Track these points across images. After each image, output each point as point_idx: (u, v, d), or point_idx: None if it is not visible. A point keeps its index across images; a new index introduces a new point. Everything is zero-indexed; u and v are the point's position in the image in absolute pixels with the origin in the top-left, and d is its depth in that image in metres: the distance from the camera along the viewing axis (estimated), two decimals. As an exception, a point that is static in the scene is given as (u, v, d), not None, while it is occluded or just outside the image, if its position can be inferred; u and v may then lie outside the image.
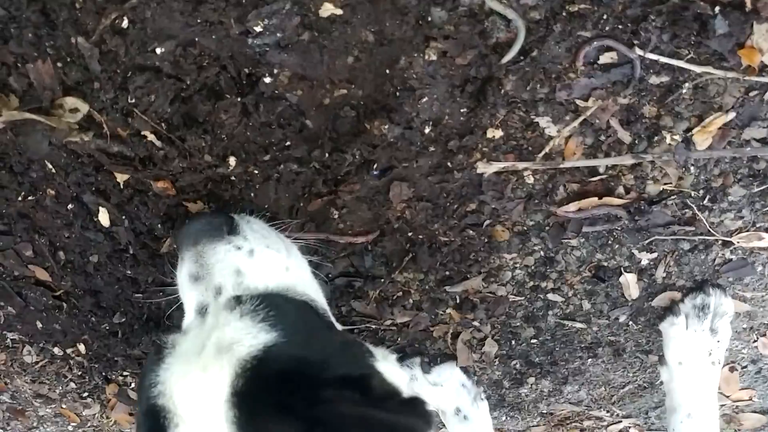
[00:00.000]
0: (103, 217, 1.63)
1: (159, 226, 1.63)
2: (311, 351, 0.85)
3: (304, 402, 0.75)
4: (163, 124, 1.41)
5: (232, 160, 1.47)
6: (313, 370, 0.80)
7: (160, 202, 1.58)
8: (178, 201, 1.57)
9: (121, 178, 1.51)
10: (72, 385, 2.13)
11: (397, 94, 1.42)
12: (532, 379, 2.01)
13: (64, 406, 2.20)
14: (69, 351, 2.02)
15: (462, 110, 1.45)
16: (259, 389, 0.78)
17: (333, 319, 1.09)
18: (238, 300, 0.96)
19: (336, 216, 1.63)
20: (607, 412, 2.20)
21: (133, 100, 1.37)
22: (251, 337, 0.85)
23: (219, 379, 0.80)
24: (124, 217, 1.62)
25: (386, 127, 1.44)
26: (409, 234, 1.68)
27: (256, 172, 1.51)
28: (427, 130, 1.48)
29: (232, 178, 1.52)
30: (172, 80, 1.36)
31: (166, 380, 0.85)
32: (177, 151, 1.44)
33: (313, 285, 1.14)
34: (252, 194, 1.55)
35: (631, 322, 1.86)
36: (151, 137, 1.42)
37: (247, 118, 1.43)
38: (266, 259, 1.06)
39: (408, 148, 1.51)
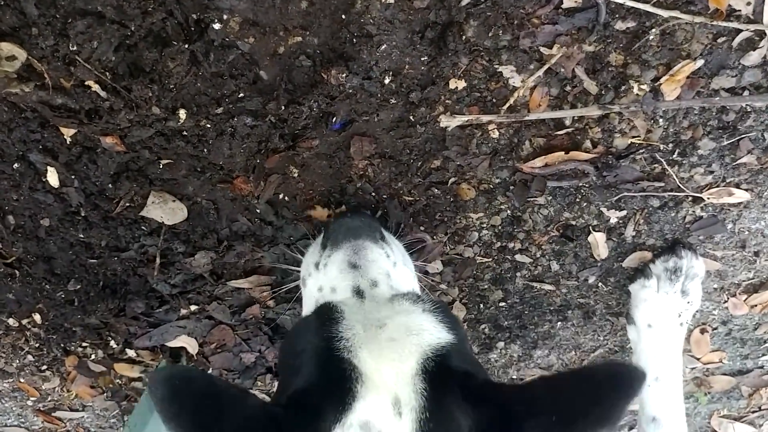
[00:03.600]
0: (52, 178, 1.55)
1: (110, 186, 1.56)
2: (472, 356, 0.98)
3: (478, 398, 0.82)
4: (107, 74, 1.33)
5: (182, 113, 1.41)
6: (477, 373, 0.89)
7: (110, 159, 1.51)
8: (129, 158, 1.51)
9: (67, 133, 1.44)
10: (29, 357, 2.05)
11: (354, 41, 1.36)
12: (501, 344, 1.97)
13: (22, 380, 2.13)
14: (24, 322, 1.94)
15: (423, 59, 1.40)
16: (447, 375, 0.85)
17: None
18: (394, 297, 1.07)
19: (296, 174, 1.57)
20: (579, 377, 2.16)
21: (75, 48, 1.30)
22: (437, 330, 0.93)
23: (407, 355, 0.86)
24: (73, 176, 1.55)
25: (344, 76, 1.38)
26: (373, 193, 1.63)
27: (208, 126, 1.44)
28: (387, 81, 1.42)
29: (184, 132, 1.46)
30: (115, 26, 1.29)
31: (350, 339, 0.90)
32: (123, 102, 1.37)
33: None
34: (206, 150, 1.49)
35: (600, 284, 1.82)
36: (95, 87, 1.35)
37: (197, 67, 1.36)
38: (404, 271, 1.20)
39: (368, 100, 1.45)
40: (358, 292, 1.08)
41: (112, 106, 1.37)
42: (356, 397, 0.82)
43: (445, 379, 0.85)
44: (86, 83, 1.34)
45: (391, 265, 1.16)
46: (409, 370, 0.85)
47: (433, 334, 0.92)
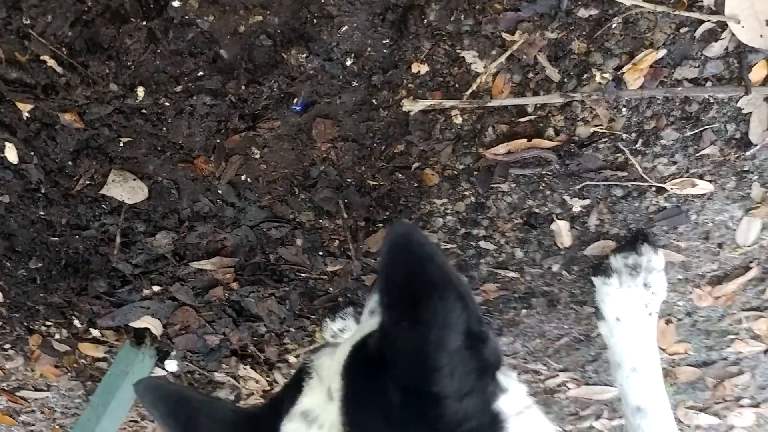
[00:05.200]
0: (11, 154, 1.54)
1: (70, 163, 1.55)
2: None
3: (379, 362, 0.83)
4: (63, 49, 1.32)
5: (140, 91, 1.40)
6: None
7: (70, 136, 1.49)
8: (89, 135, 1.49)
9: (24, 108, 1.43)
10: (-7, 336, 2.05)
11: (315, 21, 1.34)
12: (466, 331, 1.97)
13: (-15, 359, 2.12)
14: (-14, 300, 1.94)
15: (384, 41, 1.39)
16: (358, 355, 0.90)
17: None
18: None
19: (257, 155, 1.56)
20: (544, 365, 2.18)
21: (29, 21, 1.28)
22: (370, 325, 0.95)
23: (344, 351, 0.92)
24: (32, 153, 1.54)
25: (304, 57, 1.37)
26: (336, 177, 1.62)
27: (167, 104, 1.43)
28: (348, 63, 1.41)
29: (143, 110, 1.45)
30: (71, 0, 1.27)
31: (317, 356, 0.98)
32: (80, 79, 1.35)
33: None
34: (165, 129, 1.48)
35: (564, 272, 1.83)
36: (51, 63, 1.33)
37: (155, 45, 1.35)
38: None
39: (329, 82, 1.44)
40: None
41: (68, 82, 1.36)
42: (302, 393, 0.91)
43: (360, 359, 0.89)
44: (41, 58, 1.33)
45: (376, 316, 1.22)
46: (340, 363, 0.90)
47: (365, 329, 0.95)
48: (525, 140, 1.53)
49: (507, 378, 0.87)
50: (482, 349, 0.78)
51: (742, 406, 2.39)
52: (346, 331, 1.95)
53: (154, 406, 0.92)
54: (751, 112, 1.49)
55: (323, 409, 0.86)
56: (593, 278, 1.80)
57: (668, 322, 2.04)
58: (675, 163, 1.59)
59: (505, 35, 1.38)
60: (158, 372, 2.08)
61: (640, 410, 1.70)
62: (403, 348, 0.76)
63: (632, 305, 1.73)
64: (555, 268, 1.81)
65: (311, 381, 0.92)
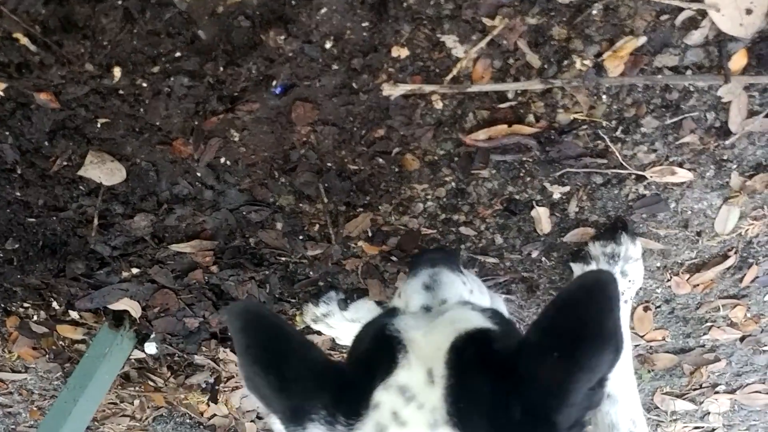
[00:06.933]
0: (-14, 133, 1.52)
1: (46, 143, 1.53)
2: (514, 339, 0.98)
3: (505, 370, 0.86)
4: (37, 27, 1.30)
5: (117, 71, 1.38)
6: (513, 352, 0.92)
7: (45, 116, 1.48)
8: (65, 115, 1.47)
9: (-2, 87, 1.40)
10: (-30, 317, 2.03)
11: (294, 3, 1.33)
12: (446, 316, 1.98)
13: (-38, 340, 2.11)
14: (-36, 281, 1.92)
15: (364, 24, 1.37)
16: (479, 353, 0.92)
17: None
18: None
19: (237, 138, 1.55)
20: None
21: (1, -2, 1.26)
22: (477, 320, 1.02)
23: (444, 336, 0.95)
24: (8, 133, 1.52)
25: (283, 39, 1.36)
26: (316, 161, 1.61)
27: (144, 85, 1.42)
28: (328, 46, 1.40)
29: (120, 91, 1.43)
30: (45, -23, 1.25)
31: (399, 324, 1.01)
32: (54, 58, 1.33)
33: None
34: (142, 110, 1.46)
35: (543, 258, 1.83)
36: (24, 41, 1.31)
37: (132, 24, 1.33)
38: (481, 298, 1.31)
39: (309, 65, 1.43)
40: (427, 309, 1.19)
41: (42, 61, 1.34)
42: (399, 366, 0.91)
43: (476, 355, 0.91)
44: (14, 36, 1.30)
45: (468, 291, 1.27)
46: (444, 347, 0.92)
47: (473, 322, 1.00)
48: (505, 126, 1.52)
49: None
50: (599, 392, 0.82)
51: (718, 392, 2.42)
52: (329, 316, 1.94)
53: (244, 333, 0.87)
54: (730, 101, 1.50)
55: (422, 390, 0.87)
56: (572, 264, 1.81)
57: (646, 309, 2.06)
58: (655, 151, 1.59)
59: (485, 20, 1.37)
60: (137, 354, 2.07)
61: (610, 397, 1.72)
62: (547, 376, 0.79)
63: (610, 293, 1.74)
64: (534, 254, 1.82)
65: (408, 356, 0.92)
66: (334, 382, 0.90)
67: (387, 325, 1.02)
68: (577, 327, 0.79)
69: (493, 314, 1.08)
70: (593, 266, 1.74)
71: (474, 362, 0.90)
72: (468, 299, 1.25)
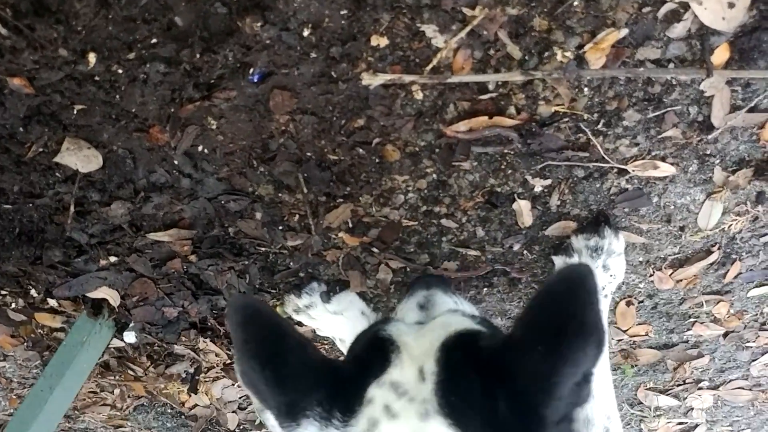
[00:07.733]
0: (-41, 118, 1.50)
1: (21, 129, 1.51)
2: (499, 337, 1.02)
3: (492, 366, 0.89)
4: (8, 10, 1.27)
5: (91, 57, 1.36)
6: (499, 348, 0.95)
7: (20, 102, 1.45)
8: (40, 101, 1.45)
9: (-31, 71, 1.38)
10: (-53, 305, 2.01)
11: (270, -11, 1.31)
12: (427, 308, 1.97)
13: (-60, 327, 2.09)
14: (-60, 266, 1.90)
15: (342, 12, 1.35)
16: (467, 351, 0.96)
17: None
18: None
19: (214, 126, 1.53)
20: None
21: (-29, -20, 1.23)
22: (466, 323, 1.07)
23: (435, 336, 1.00)
24: (-18, 118, 1.49)
25: (260, 26, 1.34)
26: (295, 150, 1.60)
27: (120, 71, 1.39)
28: (306, 33, 1.38)
29: (95, 77, 1.41)
30: (16, -41, 1.23)
31: (392, 330, 1.05)
32: (26, 42, 1.31)
33: None
34: (118, 96, 1.44)
35: (525, 251, 1.82)
36: (-5, 24, 1.29)
37: (107, 9, 1.31)
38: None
39: (287, 53, 1.41)
40: (418, 324, 1.22)
41: (14, 45, 1.32)
42: (392, 365, 0.94)
43: (465, 353, 0.95)
44: (-16, 19, 1.28)
45: (460, 314, 1.28)
46: (435, 347, 0.96)
47: (462, 324, 1.05)
48: (486, 118, 1.51)
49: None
50: (585, 388, 0.84)
51: (701, 388, 2.42)
52: (311, 308, 1.93)
53: (242, 328, 0.89)
54: (713, 96, 1.48)
55: (414, 386, 0.90)
56: (554, 257, 1.80)
57: (629, 303, 2.05)
58: (637, 144, 1.58)
59: (465, 10, 1.35)
60: (116, 343, 2.06)
61: None
62: (532, 370, 0.81)
63: (591, 287, 1.74)
64: (516, 247, 1.81)
65: (401, 355, 0.96)
66: (329, 380, 0.92)
67: (381, 330, 1.06)
68: (560, 321, 0.80)
69: (482, 320, 1.13)
70: (575, 259, 1.73)
71: (463, 359, 0.93)
72: (457, 309, 1.32)
